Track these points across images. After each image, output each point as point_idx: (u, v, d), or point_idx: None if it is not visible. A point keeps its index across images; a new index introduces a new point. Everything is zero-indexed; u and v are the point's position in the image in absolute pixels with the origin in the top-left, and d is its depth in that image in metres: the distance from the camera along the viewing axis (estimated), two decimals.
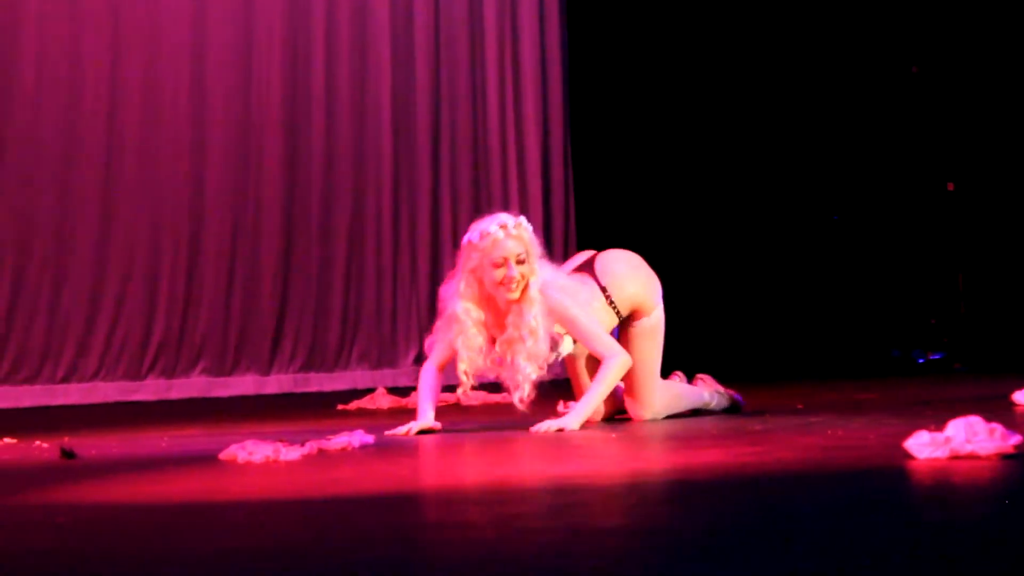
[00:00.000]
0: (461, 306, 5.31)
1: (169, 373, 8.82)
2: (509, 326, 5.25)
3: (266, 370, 9.11)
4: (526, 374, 5.22)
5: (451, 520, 3.13)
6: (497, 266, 5.22)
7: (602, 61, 10.22)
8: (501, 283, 5.22)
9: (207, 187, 8.99)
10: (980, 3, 9.68)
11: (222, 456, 4.57)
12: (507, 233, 5.25)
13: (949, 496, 3.17)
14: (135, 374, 8.73)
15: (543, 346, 5.23)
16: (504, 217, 5.32)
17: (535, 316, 5.22)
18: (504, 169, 9.98)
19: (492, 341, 5.32)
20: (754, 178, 10.13)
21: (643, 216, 10.06)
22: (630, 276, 5.51)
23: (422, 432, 5.27)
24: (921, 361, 9.47)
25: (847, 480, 3.51)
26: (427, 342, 5.47)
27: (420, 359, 6.01)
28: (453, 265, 5.50)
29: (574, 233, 10.18)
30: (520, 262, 5.24)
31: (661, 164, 10.12)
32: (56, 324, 8.52)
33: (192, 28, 8.97)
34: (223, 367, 8.99)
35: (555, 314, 5.26)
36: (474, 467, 4.44)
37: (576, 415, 5.19)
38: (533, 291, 5.24)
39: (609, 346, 5.31)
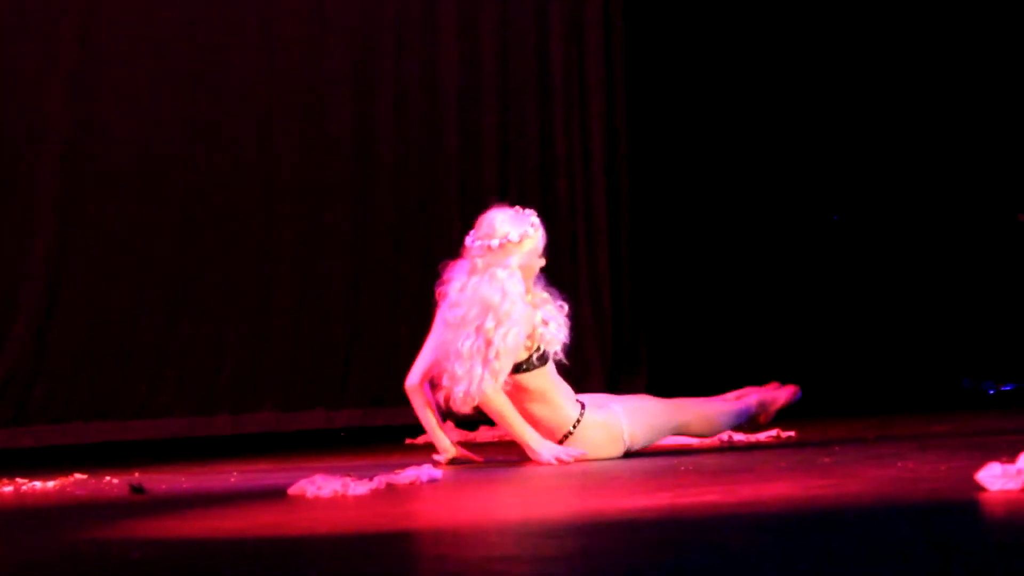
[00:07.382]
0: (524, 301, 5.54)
1: (238, 409, 8.85)
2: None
3: (336, 405, 9.12)
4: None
5: (527, 554, 3.13)
6: (541, 255, 5.64)
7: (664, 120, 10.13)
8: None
9: (278, 224, 9.00)
10: None
11: (291, 491, 4.59)
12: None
13: (1022, 528, 3.14)
14: (205, 410, 8.76)
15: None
16: (526, 210, 5.67)
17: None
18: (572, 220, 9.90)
19: None
20: (819, 202, 10.06)
21: (704, 248, 10.01)
22: None
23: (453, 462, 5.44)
24: (992, 392, 9.39)
25: (919, 513, 3.49)
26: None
27: None
28: None
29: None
30: None
31: (724, 198, 10.06)
32: (128, 361, 8.56)
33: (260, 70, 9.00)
34: (292, 402, 9.00)
35: None
36: (545, 499, 4.43)
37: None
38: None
39: None
